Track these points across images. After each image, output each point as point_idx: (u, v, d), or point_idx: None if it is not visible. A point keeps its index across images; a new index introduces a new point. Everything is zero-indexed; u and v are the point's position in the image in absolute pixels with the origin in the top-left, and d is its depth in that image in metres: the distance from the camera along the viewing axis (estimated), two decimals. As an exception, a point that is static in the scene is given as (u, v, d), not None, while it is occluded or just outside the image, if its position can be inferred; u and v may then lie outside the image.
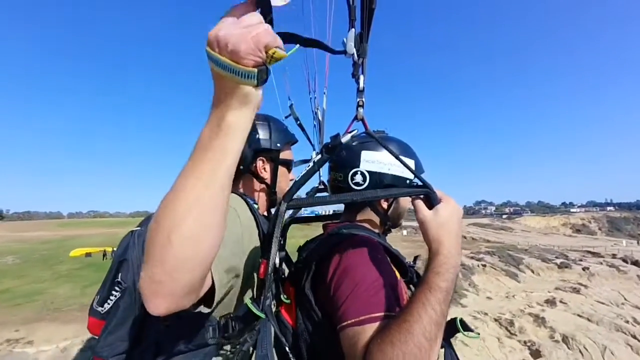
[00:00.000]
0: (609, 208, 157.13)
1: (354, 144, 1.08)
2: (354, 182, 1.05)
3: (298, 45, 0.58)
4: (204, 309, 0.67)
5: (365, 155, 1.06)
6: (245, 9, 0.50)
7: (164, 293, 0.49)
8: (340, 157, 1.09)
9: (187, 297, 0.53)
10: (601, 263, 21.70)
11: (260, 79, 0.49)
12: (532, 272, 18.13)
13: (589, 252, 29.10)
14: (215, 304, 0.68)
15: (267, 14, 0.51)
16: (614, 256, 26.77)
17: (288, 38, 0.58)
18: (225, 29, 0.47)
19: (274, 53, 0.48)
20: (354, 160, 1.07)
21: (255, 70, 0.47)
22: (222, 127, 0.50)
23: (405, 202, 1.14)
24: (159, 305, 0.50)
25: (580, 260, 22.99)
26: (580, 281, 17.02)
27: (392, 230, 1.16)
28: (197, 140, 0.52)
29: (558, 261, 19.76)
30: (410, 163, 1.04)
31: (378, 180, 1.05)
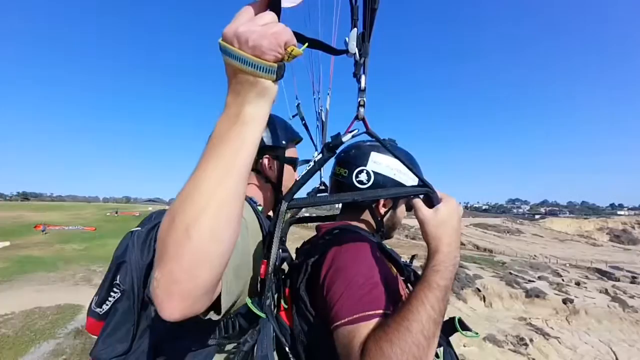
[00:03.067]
0: None
1: (366, 144, 1.11)
2: (357, 179, 1.06)
3: (307, 44, 0.60)
4: (214, 316, 0.66)
5: (374, 156, 1.07)
6: (258, 9, 0.52)
7: (180, 293, 0.47)
8: (348, 154, 1.12)
9: (203, 298, 0.52)
10: (604, 291, 15.29)
11: (279, 73, 0.51)
12: (484, 299, 12.43)
13: (598, 270, 22.17)
14: (224, 310, 0.67)
15: (278, 14, 0.53)
16: (633, 279, 19.77)
17: (296, 37, 0.59)
18: (244, 25, 0.48)
19: (292, 50, 0.51)
20: (362, 159, 1.08)
21: (276, 65, 0.50)
22: (241, 119, 0.51)
23: (401, 214, 1.15)
24: (174, 308, 0.48)
25: (577, 284, 16.65)
26: (553, 321, 11.16)
27: (384, 240, 1.15)
28: (213, 132, 0.52)
29: (529, 286, 13.83)
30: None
31: (382, 182, 1.06)
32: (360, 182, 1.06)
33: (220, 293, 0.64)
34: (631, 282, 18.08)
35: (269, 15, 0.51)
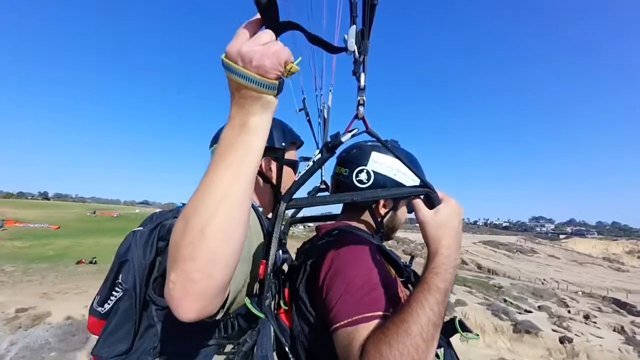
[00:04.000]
0: None
1: (368, 144, 1.10)
2: (357, 179, 1.06)
3: (300, 58, 0.62)
4: (217, 315, 0.67)
5: (375, 156, 1.07)
6: (256, 27, 0.56)
7: (197, 293, 0.50)
8: (350, 153, 1.11)
9: (217, 299, 0.55)
10: (618, 329, 12.67)
11: (280, 89, 0.57)
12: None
13: (616, 301, 19.03)
14: (225, 309, 0.68)
15: (275, 31, 0.57)
16: (659, 315, 16.79)
17: (293, 26, 0.61)
18: (246, 45, 0.53)
19: (290, 68, 0.56)
20: (362, 159, 1.08)
21: (277, 82, 0.55)
22: (246, 128, 0.55)
23: (402, 215, 1.14)
24: (191, 308, 0.50)
25: (586, 317, 14.00)
26: (543, 365, 8.97)
27: (384, 241, 1.13)
28: (221, 141, 0.56)
29: (521, 318, 11.35)
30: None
31: (382, 182, 1.05)
32: (360, 182, 1.06)
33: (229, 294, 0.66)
34: (653, 318, 15.28)
35: (268, 35, 0.55)
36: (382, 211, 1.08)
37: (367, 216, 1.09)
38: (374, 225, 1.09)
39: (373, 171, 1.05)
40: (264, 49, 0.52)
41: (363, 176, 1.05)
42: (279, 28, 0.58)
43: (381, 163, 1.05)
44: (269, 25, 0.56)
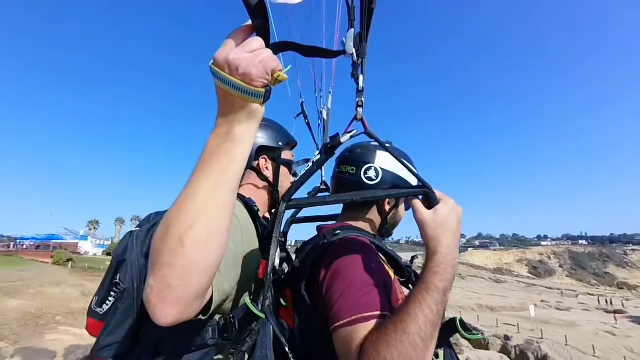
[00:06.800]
0: (581, 242, 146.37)
1: (371, 144, 1.12)
2: (366, 176, 1.07)
3: (290, 67, 0.62)
4: (201, 317, 0.68)
5: (380, 153, 1.09)
6: (245, 34, 0.55)
7: (173, 299, 0.51)
8: (354, 153, 1.13)
9: (194, 304, 0.55)
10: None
11: (266, 97, 0.55)
12: None
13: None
14: (211, 311, 0.69)
15: (266, 39, 0.56)
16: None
17: (286, 47, 0.63)
18: (234, 52, 0.52)
19: (278, 76, 0.55)
20: (369, 157, 1.10)
21: (263, 90, 0.54)
22: (231, 137, 0.55)
23: (402, 212, 1.17)
24: (167, 313, 0.51)
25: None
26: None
27: (385, 238, 1.16)
28: (205, 149, 0.55)
29: None
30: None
31: (389, 179, 1.07)
32: (369, 179, 1.07)
33: (212, 297, 0.67)
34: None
35: (257, 42, 0.54)
36: (387, 208, 1.10)
37: (372, 214, 1.10)
38: (378, 223, 1.10)
39: (381, 168, 1.07)
40: (251, 57, 0.52)
41: (371, 173, 1.06)
42: (274, 49, 0.58)
43: (387, 160, 1.07)
44: (259, 32, 0.56)
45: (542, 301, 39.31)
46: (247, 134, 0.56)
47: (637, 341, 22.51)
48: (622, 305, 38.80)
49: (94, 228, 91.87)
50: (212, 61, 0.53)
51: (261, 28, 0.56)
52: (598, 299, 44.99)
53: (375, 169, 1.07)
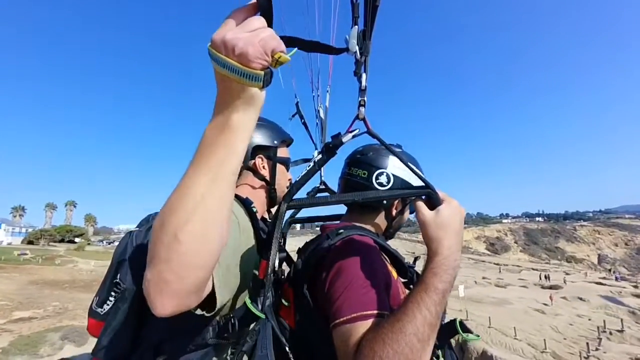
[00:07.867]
0: (537, 219, 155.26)
1: (382, 147, 1.12)
2: (377, 181, 1.07)
3: (297, 48, 0.59)
4: (205, 313, 0.68)
5: (393, 159, 1.08)
6: (247, 13, 0.51)
7: (170, 292, 0.50)
8: (366, 155, 1.12)
9: (192, 296, 0.55)
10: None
11: (266, 81, 0.51)
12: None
13: None
14: (217, 308, 0.69)
15: (269, 19, 0.52)
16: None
17: (288, 42, 0.59)
18: (231, 32, 0.48)
19: (279, 57, 0.50)
20: (382, 162, 1.09)
21: (262, 72, 0.49)
22: (228, 126, 0.52)
23: (406, 215, 1.16)
24: (165, 305, 0.51)
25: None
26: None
27: (388, 240, 1.16)
28: (202, 139, 0.53)
29: None
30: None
31: (400, 185, 1.07)
32: (381, 184, 1.07)
33: (214, 291, 0.66)
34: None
35: (258, 21, 0.50)
36: (394, 212, 1.11)
37: (380, 216, 1.10)
38: (383, 226, 1.11)
39: (392, 174, 1.06)
40: (249, 36, 0.48)
41: (383, 179, 1.06)
42: (270, 20, 0.53)
43: (399, 167, 1.06)
44: (262, 11, 0.51)
45: (484, 278, 39.98)
46: (246, 121, 0.52)
47: (565, 319, 22.82)
48: (564, 281, 39.99)
49: (19, 215, 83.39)
50: (209, 43, 0.49)
51: (265, 7, 0.51)
52: (540, 275, 46.38)
53: (387, 175, 1.06)
